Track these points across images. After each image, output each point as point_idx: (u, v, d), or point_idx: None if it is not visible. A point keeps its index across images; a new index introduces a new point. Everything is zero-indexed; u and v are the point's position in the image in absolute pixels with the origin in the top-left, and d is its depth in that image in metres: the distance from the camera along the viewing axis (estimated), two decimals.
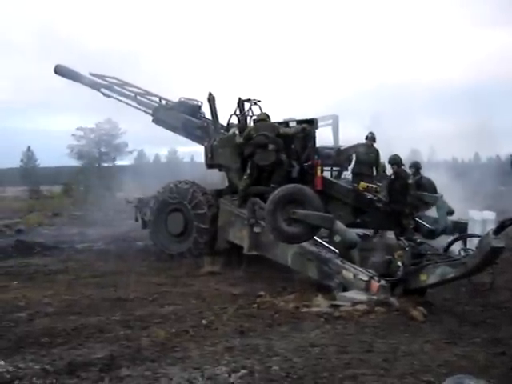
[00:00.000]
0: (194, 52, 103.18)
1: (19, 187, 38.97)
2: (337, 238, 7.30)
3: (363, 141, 11.29)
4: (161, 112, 12.23)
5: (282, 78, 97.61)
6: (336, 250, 7.37)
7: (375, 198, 9.69)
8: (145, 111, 12.55)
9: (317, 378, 4.22)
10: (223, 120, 10.69)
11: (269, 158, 9.25)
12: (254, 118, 9.86)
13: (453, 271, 6.16)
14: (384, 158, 11.01)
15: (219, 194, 10.27)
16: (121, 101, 12.85)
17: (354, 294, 6.53)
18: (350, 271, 6.89)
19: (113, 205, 19.57)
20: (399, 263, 6.56)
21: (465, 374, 3.95)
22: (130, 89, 12.80)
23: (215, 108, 10.59)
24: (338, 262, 7.13)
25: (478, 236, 7.17)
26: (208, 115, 11.22)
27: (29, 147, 51.20)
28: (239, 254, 9.07)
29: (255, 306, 6.58)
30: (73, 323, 5.82)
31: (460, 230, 9.87)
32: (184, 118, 11.73)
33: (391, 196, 9.57)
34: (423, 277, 6.36)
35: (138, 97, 12.66)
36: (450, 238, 8.49)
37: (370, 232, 10.90)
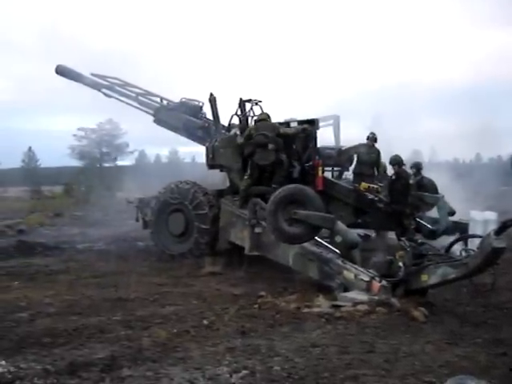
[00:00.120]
0: (196, 52, 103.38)
1: (21, 187, 38.89)
2: (338, 239, 7.31)
3: (364, 141, 11.27)
4: (162, 112, 12.25)
5: (284, 79, 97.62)
6: (337, 251, 7.36)
7: (376, 199, 9.68)
8: (146, 111, 12.56)
9: (318, 379, 4.23)
10: (224, 120, 10.73)
11: (269, 157, 9.26)
12: (255, 118, 9.88)
13: (454, 272, 6.16)
14: (385, 159, 10.98)
15: (220, 194, 10.26)
16: (122, 101, 12.88)
17: (355, 295, 6.52)
18: (351, 272, 6.88)
19: (114, 205, 19.56)
20: (400, 264, 6.55)
21: (466, 375, 3.96)
22: (132, 89, 12.81)
23: (216, 108, 10.60)
24: (339, 262, 7.13)
25: (480, 236, 7.14)
26: (209, 116, 11.24)
27: (30, 147, 50.97)
28: (240, 254, 9.07)
29: (256, 306, 6.58)
30: (74, 323, 5.82)
31: (461, 230, 9.86)
32: (185, 118, 11.75)
33: (392, 196, 9.55)
34: (424, 277, 6.35)
35: (140, 97, 12.68)
36: (451, 239, 8.45)
37: (371, 232, 10.90)
